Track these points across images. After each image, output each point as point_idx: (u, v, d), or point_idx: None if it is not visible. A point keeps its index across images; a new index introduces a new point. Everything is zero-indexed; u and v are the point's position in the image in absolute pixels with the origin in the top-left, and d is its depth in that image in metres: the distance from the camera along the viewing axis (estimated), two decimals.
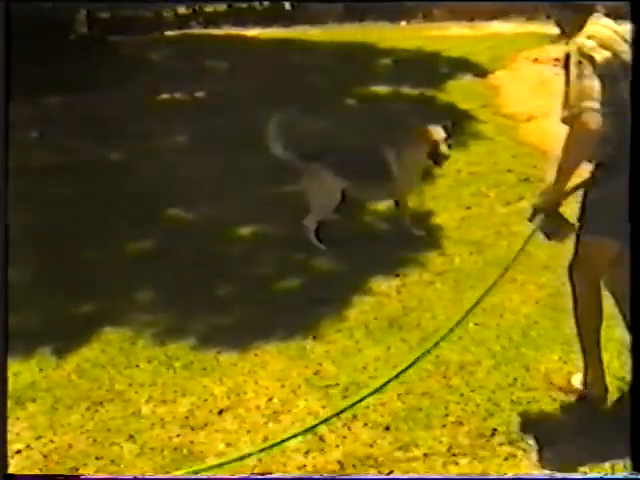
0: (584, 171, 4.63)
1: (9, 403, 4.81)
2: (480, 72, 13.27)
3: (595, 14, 4.59)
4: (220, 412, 4.99)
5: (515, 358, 5.39)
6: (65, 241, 7.52)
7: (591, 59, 4.35)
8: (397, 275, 6.66)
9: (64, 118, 11.49)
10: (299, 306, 6.23)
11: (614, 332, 5.18)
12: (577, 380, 5.01)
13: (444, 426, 4.74)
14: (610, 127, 4.37)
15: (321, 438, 4.68)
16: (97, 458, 4.66)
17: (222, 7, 19.75)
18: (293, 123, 9.61)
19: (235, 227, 7.80)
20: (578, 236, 4.74)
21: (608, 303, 4.90)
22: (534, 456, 4.47)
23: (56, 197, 8.61)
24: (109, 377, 5.47)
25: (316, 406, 4.97)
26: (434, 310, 6.05)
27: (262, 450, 4.52)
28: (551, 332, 5.65)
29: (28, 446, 4.77)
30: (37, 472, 4.56)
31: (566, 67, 4.47)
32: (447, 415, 4.84)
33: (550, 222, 4.67)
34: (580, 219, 4.70)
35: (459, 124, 10.53)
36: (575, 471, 4.33)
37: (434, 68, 13.73)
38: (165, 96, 12.65)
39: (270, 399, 5.07)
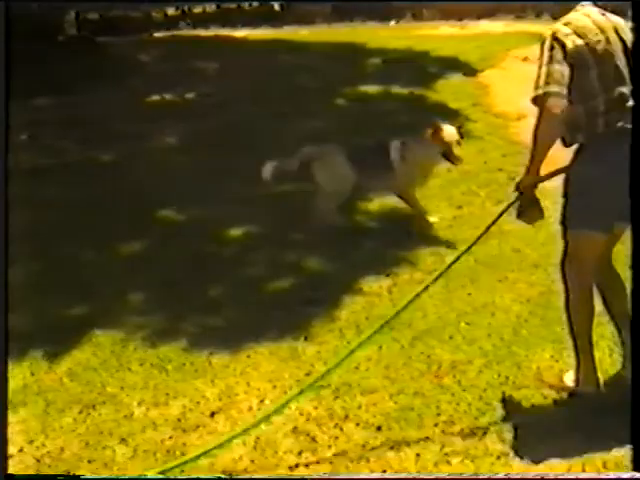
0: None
1: None
2: (470, 71, 13.28)
3: (582, 2, 4.73)
4: (212, 414, 4.99)
5: (506, 357, 5.40)
6: (56, 243, 7.51)
7: (563, 45, 4.47)
8: (388, 275, 6.67)
9: (54, 120, 11.47)
10: (290, 307, 6.24)
11: (605, 329, 5.20)
12: (569, 378, 5.03)
13: (436, 425, 4.76)
14: (579, 115, 4.54)
15: (313, 439, 4.69)
16: (90, 461, 4.66)
17: (211, 8, 19.75)
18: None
19: (226, 228, 7.79)
20: (564, 233, 4.79)
21: (597, 300, 4.93)
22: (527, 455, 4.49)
23: (47, 199, 8.59)
24: (101, 380, 5.46)
25: (308, 407, 4.96)
26: (425, 309, 6.04)
27: (209, 450, 4.54)
28: (542, 330, 5.66)
29: (21, 450, 4.77)
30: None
31: (541, 50, 4.59)
32: (439, 414, 4.85)
33: (523, 203, 4.79)
34: (563, 212, 4.74)
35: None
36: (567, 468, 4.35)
37: (424, 67, 13.73)
38: (155, 97, 12.64)
39: (262, 400, 5.07)
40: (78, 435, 4.90)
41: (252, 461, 4.54)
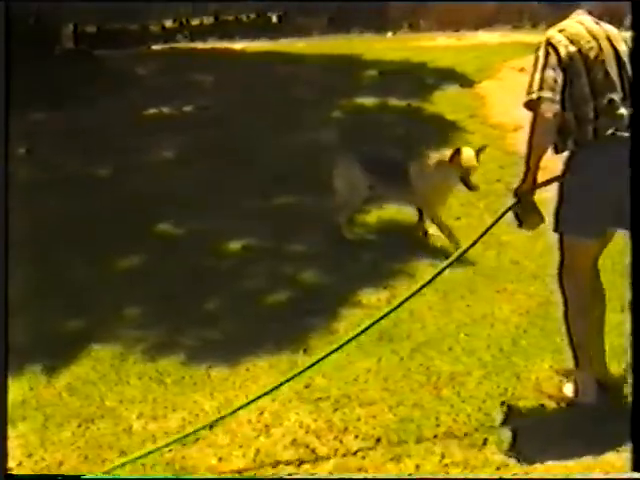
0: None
1: None
2: (466, 82, 13.28)
3: (577, 10, 4.77)
4: (211, 427, 4.98)
5: (506, 368, 5.41)
6: (54, 257, 7.50)
7: (557, 51, 4.53)
8: (386, 287, 6.66)
9: (52, 133, 11.47)
10: (289, 319, 6.24)
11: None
12: (569, 389, 5.04)
13: (435, 437, 4.76)
14: (570, 121, 4.59)
15: (313, 451, 4.69)
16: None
17: (209, 20, 19.76)
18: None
19: (224, 241, 7.79)
20: (560, 241, 4.81)
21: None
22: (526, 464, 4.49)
23: (44, 212, 8.59)
24: (100, 394, 5.46)
25: (307, 419, 4.97)
26: (424, 321, 6.05)
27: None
28: (541, 341, 5.67)
29: (20, 464, 4.77)
30: None
31: (536, 56, 4.64)
32: (438, 426, 4.85)
33: (523, 209, 4.79)
34: (555, 218, 4.76)
35: (447, 135, 10.59)
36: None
37: (421, 79, 13.72)
38: (153, 110, 12.62)
39: (261, 413, 5.06)
40: (77, 449, 4.90)
41: (254, 474, 4.54)
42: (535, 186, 4.70)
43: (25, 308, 6.58)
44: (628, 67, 4.69)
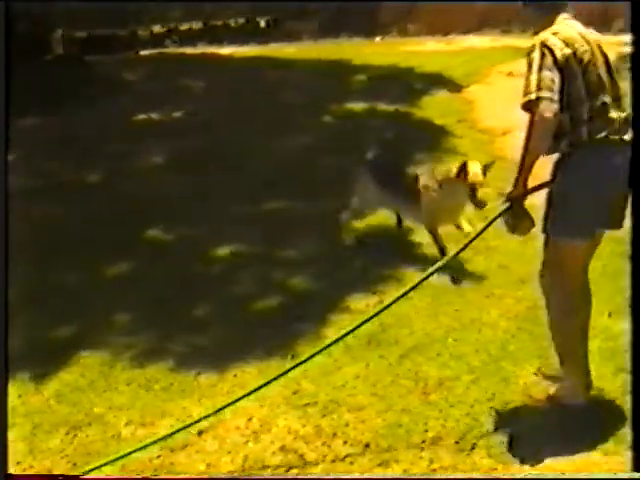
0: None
1: None
2: (455, 87, 13.31)
3: (563, 14, 4.77)
4: (200, 433, 4.98)
5: (494, 372, 5.42)
6: (43, 264, 7.49)
7: (552, 53, 4.53)
8: (374, 292, 6.67)
9: (41, 140, 11.46)
10: (277, 325, 6.24)
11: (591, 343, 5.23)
12: (556, 391, 5.06)
13: (424, 442, 4.77)
14: (565, 122, 4.59)
15: (301, 456, 4.69)
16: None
17: (197, 25, 19.76)
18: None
19: (213, 247, 7.78)
20: (546, 242, 4.82)
21: None
22: (514, 468, 4.50)
23: (33, 219, 8.58)
24: (88, 401, 5.46)
25: (296, 425, 4.98)
26: (412, 326, 6.06)
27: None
28: (530, 346, 5.67)
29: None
30: None
31: (530, 58, 4.62)
32: (427, 431, 4.86)
33: (514, 215, 4.75)
34: (545, 219, 4.77)
35: (435, 140, 10.60)
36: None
37: (409, 84, 13.74)
38: (142, 116, 12.62)
39: (249, 419, 5.07)
40: (65, 456, 4.91)
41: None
42: (527, 191, 4.69)
43: (14, 314, 6.57)
44: (616, 72, 4.73)
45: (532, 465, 4.53)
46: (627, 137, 4.68)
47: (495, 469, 4.51)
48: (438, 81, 13.65)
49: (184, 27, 19.77)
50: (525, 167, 4.59)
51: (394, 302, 4.98)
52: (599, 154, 4.62)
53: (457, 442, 4.74)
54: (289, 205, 8.25)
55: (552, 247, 4.82)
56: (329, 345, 4.93)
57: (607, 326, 5.84)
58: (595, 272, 5.85)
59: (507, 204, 4.71)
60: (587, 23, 4.87)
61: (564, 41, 4.58)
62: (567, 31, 4.66)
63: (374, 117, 11.86)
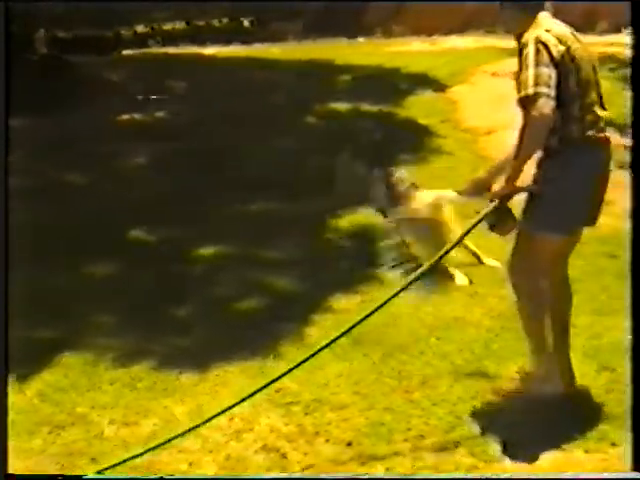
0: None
1: None
2: (439, 87, 13.33)
3: (543, 13, 4.76)
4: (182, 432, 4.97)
5: (477, 371, 5.42)
6: (25, 265, 7.45)
7: (548, 49, 4.52)
8: (357, 292, 6.67)
9: (25, 141, 11.41)
10: (260, 325, 6.24)
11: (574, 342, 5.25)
12: (523, 383, 5.14)
13: (406, 440, 4.76)
14: (557, 120, 4.57)
15: (283, 455, 4.69)
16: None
17: (180, 25, 19.73)
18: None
19: (197, 248, 7.77)
20: (519, 235, 4.82)
21: None
22: (496, 466, 4.51)
23: (16, 221, 8.52)
24: (71, 400, 5.43)
25: (278, 424, 4.97)
26: (396, 325, 6.06)
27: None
28: (513, 344, 5.65)
29: None
30: None
31: (520, 55, 4.63)
32: (409, 429, 4.85)
33: (498, 215, 4.71)
34: (524, 213, 4.78)
35: (419, 140, 10.62)
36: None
37: (393, 84, 13.76)
38: (125, 117, 12.60)
39: (231, 418, 5.04)
40: (48, 456, 4.87)
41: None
42: (516, 190, 4.68)
43: None
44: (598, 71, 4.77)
45: (514, 462, 4.54)
46: (609, 135, 4.72)
47: (477, 467, 4.51)
48: (422, 81, 13.67)
49: (167, 27, 19.74)
50: (519, 164, 4.56)
51: (387, 302, 4.95)
52: (587, 151, 4.65)
53: (440, 441, 4.74)
54: (272, 206, 8.26)
55: (529, 241, 4.81)
56: (324, 347, 4.87)
57: (590, 324, 5.86)
58: (578, 270, 5.92)
59: (495, 202, 4.67)
60: (569, 23, 4.88)
61: (557, 38, 4.59)
62: (558, 28, 4.69)
63: (358, 117, 11.88)
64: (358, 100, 12.64)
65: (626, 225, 7.35)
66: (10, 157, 10.35)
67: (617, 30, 16.48)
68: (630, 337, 4.64)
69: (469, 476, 4.41)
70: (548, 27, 4.64)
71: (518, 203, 4.79)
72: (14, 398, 5.50)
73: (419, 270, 4.98)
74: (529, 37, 4.57)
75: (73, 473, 4.67)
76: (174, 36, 19.36)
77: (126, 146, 10.94)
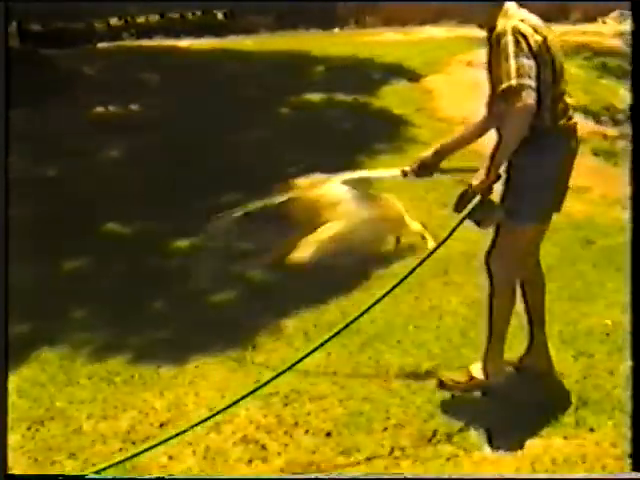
0: None
1: None
2: (414, 76, 13.36)
3: (509, 2, 4.75)
4: (161, 425, 4.96)
5: (455, 359, 5.44)
6: None
7: (526, 40, 4.51)
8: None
9: None
10: (237, 317, 6.23)
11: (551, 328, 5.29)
12: (476, 370, 5.14)
13: (385, 429, 4.78)
14: None
15: (263, 447, 4.69)
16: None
17: (154, 18, 19.67)
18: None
19: (172, 240, 7.75)
20: (498, 226, 4.85)
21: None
22: (476, 454, 4.53)
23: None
24: (49, 395, 5.40)
25: (257, 415, 4.96)
26: (373, 315, 6.01)
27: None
28: None
29: None
30: None
31: (491, 45, 4.67)
32: (388, 418, 4.87)
33: (484, 208, 4.66)
34: (502, 202, 4.78)
35: (395, 129, 10.63)
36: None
37: (368, 74, 13.78)
38: (99, 109, 12.54)
39: (210, 410, 5.05)
40: (27, 452, 4.85)
41: (202, 470, 4.53)
42: (494, 181, 4.65)
43: None
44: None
45: (493, 450, 4.56)
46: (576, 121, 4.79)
47: (457, 456, 4.53)
48: (397, 71, 13.69)
49: (141, 20, 19.68)
50: (502, 156, 4.54)
51: (382, 298, 5.01)
52: (556, 139, 4.69)
53: (418, 429, 4.76)
54: (248, 198, 8.21)
55: (507, 232, 4.84)
56: (323, 343, 4.84)
57: (566, 310, 5.89)
58: (554, 257, 5.95)
59: (478, 197, 4.63)
60: (544, 12, 4.90)
61: (533, 28, 4.59)
62: (532, 18, 4.68)
63: (332, 107, 11.88)
64: (332, 90, 12.64)
65: (602, 211, 7.47)
66: None
67: (591, 19, 16.57)
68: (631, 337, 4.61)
69: (466, 476, 4.42)
70: (522, 17, 4.64)
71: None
72: None
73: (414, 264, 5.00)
74: (506, 27, 4.55)
75: (52, 470, 4.65)
76: (148, 29, 19.29)
77: (101, 138, 10.89)
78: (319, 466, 4.50)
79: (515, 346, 5.23)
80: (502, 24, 4.58)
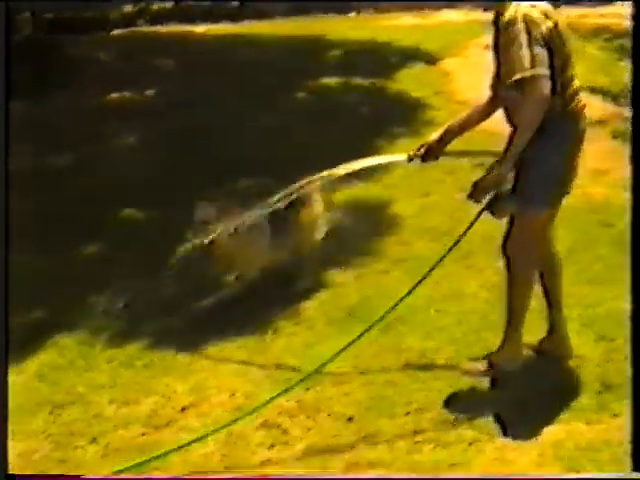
0: None
1: None
2: (431, 60, 13.29)
3: None
4: (183, 409, 4.96)
5: (476, 343, 5.41)
6: (17, 247, 7.40)
7: (538, 27, 4.46)
8: (353, 265, 6.65)
9: (14, 123, 11.33)
10: (257, 300, 6.20)
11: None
12: (494, 357, 5.16)
13: (407, 414, 4.75)
14: None
15: (285, 431, 4.67)
16: (61, 462, 4.62)
17: (168, 4, 19.62)
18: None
19: (188, 227, 7.71)
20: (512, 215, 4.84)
21: None
22: (498, 440, 4.50)
23: (8, 204, 8.47)
24: (69, 380, 5.41)
25: (279, 400, 4.92)
26: (393, 298, 6.01)
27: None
28: None
29: None
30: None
31: (498, 29, 4.67)
32: (410, 403, 4.84)
33: (500, 198, 4.72)
34: (513, 188, 4.77)
35: (412, 112, 10.58)
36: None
37: (385, 58, 13.72)
38: (115, 95, 12.52)
39: (232, 394, 5.04)
40: (48, 436, 4.85)
41: (224, 455, 4.52)
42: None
43: None
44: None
45: (514, 437, 4.53)
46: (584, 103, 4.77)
47: (479, 440, 4.50)
48: (415, 54, 13.63)
49: (155, 7, 19.63)
50: (517, 147, 4.51)
51: (410, 292, 5.12)
52: (566, 123, 4.66)
53: (440, 414, 4.73)
54: (262, 182, 8.19)
55: (522, 218, 4.83)
56: (352, 342, 4.93)
57: (586, 294, 5.85)
58: (572, 241, 5.90)
59: (494, 190, 4.67)
60: None
61: (544, 13, 4.54)
62: (542, 3, 4.63)
63: (350, 92, 11.84)
64: (349, 74, 12.59)
65: (620, 194, 7.40)
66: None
67: (609, 0, 16.43)
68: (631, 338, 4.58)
69: (471, 476, 4.39)
70: (533, 3, 4.59)
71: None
72: (11, 379, 5.48)
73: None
74: (517, 14, 4.50)
75: (74, 453, 4.66)
76: (163, 15, 19.23)
77: (116, 125, 10.89)
78: (342, 450, 4.47)
79: (534, 330, 5.19)
80: (512, 10, 4.54)
